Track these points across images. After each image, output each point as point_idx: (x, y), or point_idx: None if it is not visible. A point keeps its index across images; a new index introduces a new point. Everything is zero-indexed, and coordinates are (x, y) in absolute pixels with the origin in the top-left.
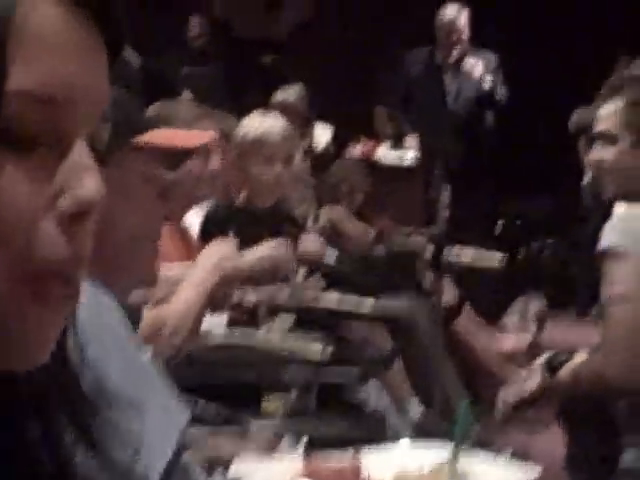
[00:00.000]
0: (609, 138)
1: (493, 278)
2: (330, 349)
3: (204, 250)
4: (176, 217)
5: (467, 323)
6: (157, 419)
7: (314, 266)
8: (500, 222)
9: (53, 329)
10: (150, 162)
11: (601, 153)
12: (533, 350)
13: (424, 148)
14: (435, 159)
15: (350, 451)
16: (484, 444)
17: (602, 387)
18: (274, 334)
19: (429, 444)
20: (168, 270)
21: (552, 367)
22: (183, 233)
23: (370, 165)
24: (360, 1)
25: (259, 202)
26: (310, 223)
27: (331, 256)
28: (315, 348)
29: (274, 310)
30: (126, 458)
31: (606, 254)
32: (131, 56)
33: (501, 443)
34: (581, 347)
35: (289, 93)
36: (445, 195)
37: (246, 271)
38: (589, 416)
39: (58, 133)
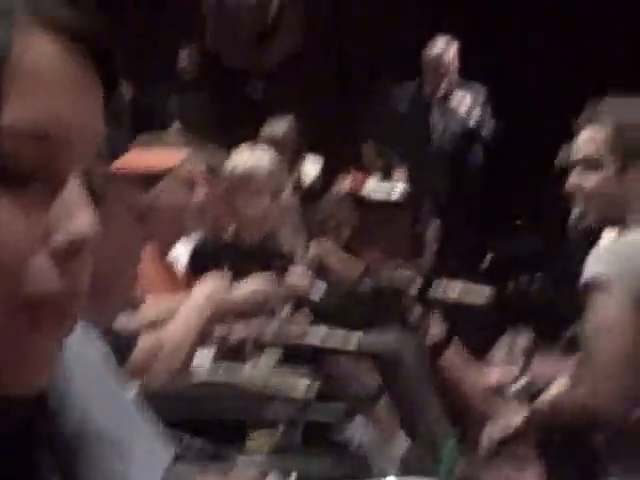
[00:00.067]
0: (591, 164)
1: (481, 313)
2: (316, 385)
3: (200, 282)
4: (162, 249)
5: (454, 358)
6: (141, 458)
7: (301, 300)
8: (488, 256)
9: (50, 356)
10: (125, 186)
11: (582, 179)
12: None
13: (412, 182)
14: (423, 193)
15: None
16: None
17: (587, 418)
18: (260, 370)
19: None
20: (155, 302)
21: (528, 396)
22: (170, 266)
23: (358, 199)
24: (350, 33)
25: (247, 236)
26: (299, 257)
27: (318, 290)
28: (301, 384)
29: (260, 345)
30: None
31: (591, 284)
32: (121, 87)
33: (487, 479)
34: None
35: (279, 125)
36: (433, 229)
37: (237, 305)
38: (568, 446)
39: (52, 170)
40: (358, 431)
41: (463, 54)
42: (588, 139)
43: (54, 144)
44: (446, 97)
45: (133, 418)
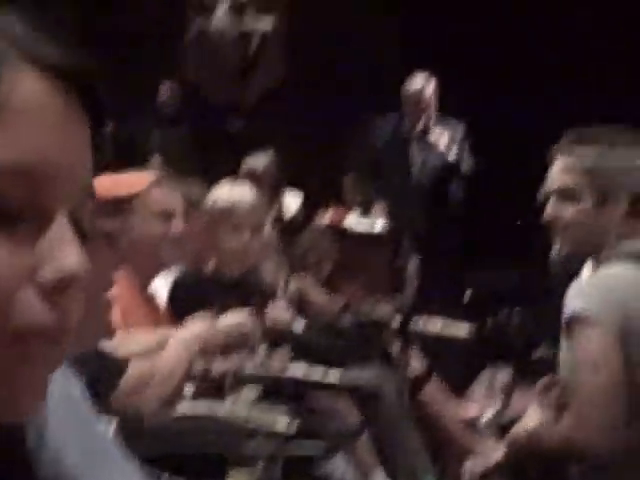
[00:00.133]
0: (568, 195)
1: (460, 348)
2: (297, 421)
3: (188, 321)
4: (141, 281)
5: (434, 393)
6: None
7: (282, 336)
8: (468, 292)
9: (41, 386)
10: (94, 212)
11: (559, 209)
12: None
13: (392, 216)
14: (403, 228)
15: None
16: None
17: (571, 451)
18: (240, 406)
19: None
20: (140, 334)
21: (499, 426)
22: (150, 298)
23: (339, 233)
24: (329, 67)
25: (228, 270)
26: (280, 292)
27: (299, 325)
28: (281, 420)
29: (240, 381)
30: None
31: (573, 319)
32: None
33: None
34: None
35: (259, 160)
36: (413, 264)
37: (220, 341)
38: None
39: (40, 207)
40: (338, 467)
41: (442, 90)
42: (563, 169)
43: (42, 182)
44: (425, 132)
45: (110, 457)
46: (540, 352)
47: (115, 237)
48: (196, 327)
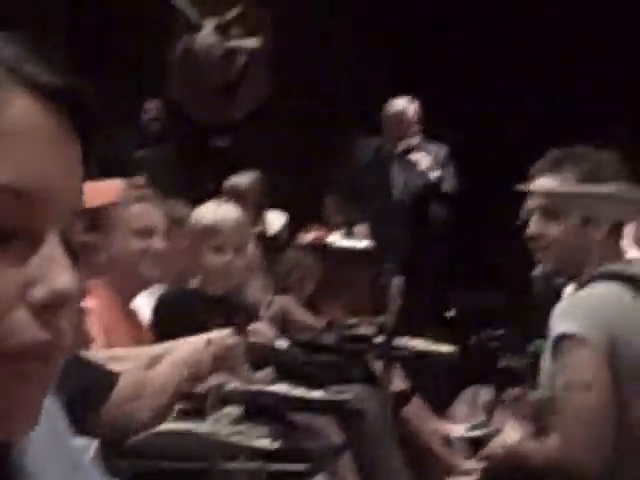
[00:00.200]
0: (551, 214)
1: (443, 368)
2: (279, 440)
3: (180, 344)
4: (123, 298)
5: (416, 411)
6: None
7: (265, 354)
8: (451, 311)
9: (34, 406)
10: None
11: (542, 228)
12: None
13: (375, 237)
14: (386, 248)
15: None
16: None
17: (558, 471)
18: (222, 424)
19: None
20: (118, 353)
21: (474, 440)
22: (132, 316)
23: (322, 251)
24: (313, 87)
25: (211, 289)
26: (263, 310)
27: (282, 344)
28: (263, 440)
29: (222, 399)
30: None
31: (563, 340)
32: None
33: None
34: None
35: (243, 178)
36: (396, 284)
37: (210, 369)
38: None
39: (31, 227)
40: None
41: (426, 111)
42: (546, 190)
43: (33, 202)
44: (407, 153)
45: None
46: (508, 361)
47: (88, 247)
48: (187, 352)
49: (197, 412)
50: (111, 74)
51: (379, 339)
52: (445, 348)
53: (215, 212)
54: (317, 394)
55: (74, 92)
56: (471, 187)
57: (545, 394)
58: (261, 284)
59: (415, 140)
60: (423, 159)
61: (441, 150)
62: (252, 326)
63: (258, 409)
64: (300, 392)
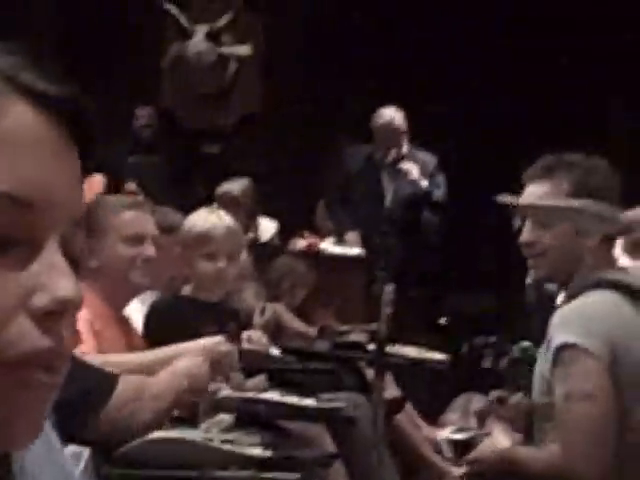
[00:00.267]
0: (543, 221)
1: (435, 375)
2: (270, 449)
3: (175, 347)
4: (115, 304)
5: (409, 419)
6: None
7: (257, 361)
8: (443, 319)
9: (39, 413)
10: None
11: (535, 235)
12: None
13: (366, 245)
14: (378, 256)
15: None
16: None
17: (558, 478)
18: (213, 433)
19: None
20: (110, 359)
21: (461, 443)
22: (124, 322)
23: (314, 259)
24: (305, 94)
25: (204, 297)
26: (256, 317)
27: (274, 351)
28: (255, 448)
29: (214, 407)
30: None
31: (565, 349)
32: None
33: None
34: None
35: (235, 185)
36: (388, 292)
37: (207, 382)
38: None
39: (31, 233)
40: None
41: (414, 121)
42: (539, 196)
43: (32, 208)
44: (397, 162)
45: None
46: (491, 363)
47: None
48: (186, 364)
49: (189, 420)
50: (103, 81)
51: (371, 346)
52: (437, 355)
53: (208, 219)
54: (309, 402)
55: (71, 100)
56: (462, 195)
57: (525, 398)
58: (254, 291)
59: (405, 149)
60: (413, 169)
61: (431, 159)
62: (246, 333)
63: (250, 417)
64: (292, 400)
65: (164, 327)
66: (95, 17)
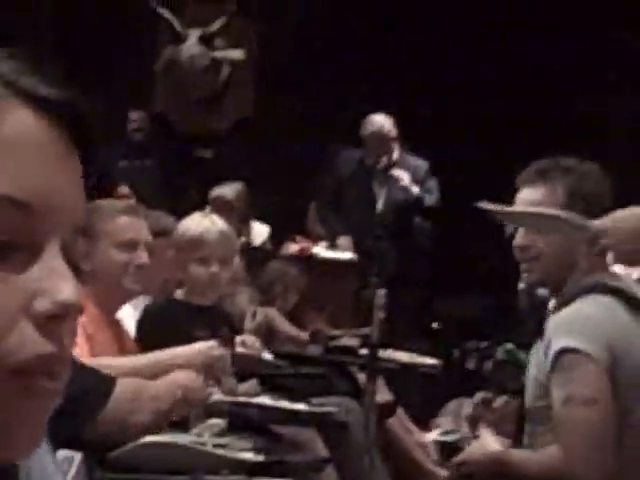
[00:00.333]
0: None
1: (427, 380)
2: (262, 453)
3: (169, 351)
4: (107, 308)
5: (401, 424)
6: None
7: (250, 366)
8: (435, 323)
9: (40, 422)
10: None
11: (528, 239)
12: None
13: (358, 249)
14: (370, 261)
15: None
16: None
17: None
18: (205, 437)
19: None
20: (102, 363)
21: (448, 445)
22: (117, 326)
23: (306, 263)
24: (297, 99)
25: (197, 301)
26: (247, 322)
27: (267, 356)
28: (247, 452)
29: (206, 412)
30: None
31: (564, 354)
32: None
33: None
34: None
35: (227, 189)
36: (380, 297)
37: (203, 396)
38: None
39: (31, 237)
40: None
41: (407, 126)
42: (533, 202)
43: (32, 212)
44: (388, 168)
45: None
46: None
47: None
48: (181, 377)
49: (181, 424)
50: (97, 85)
51: (363, 351)
52: (429, 360)
53: (201, 224)
54: (301, 406)
55: (72, 105)
56: (454, 199)
57: (512, 401)
58: (247, 295)
59: (395, 155)
60: (404, 176)
61: (422, 164)
62: (240, 338)
63: (242, 421)
64: (284, 404)
65: (157, 331)
66: (88, 21)
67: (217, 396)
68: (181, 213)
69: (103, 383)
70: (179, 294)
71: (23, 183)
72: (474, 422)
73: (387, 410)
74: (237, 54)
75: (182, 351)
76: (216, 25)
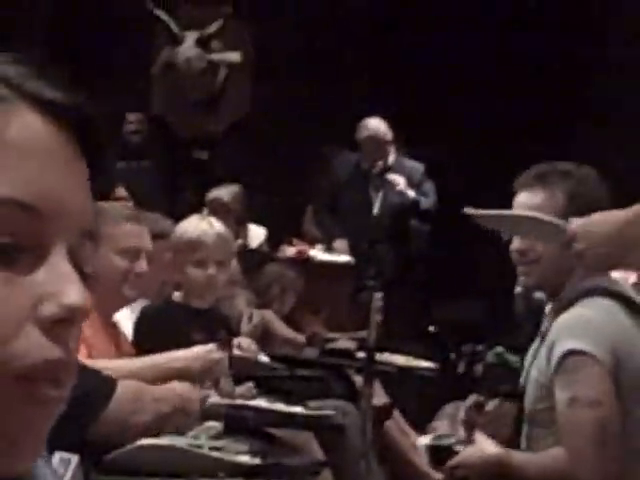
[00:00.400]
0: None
1: (424, 383)
2: (259, 456)
3: (166, 354)
4: (104, 312)
5: (397, 427)
6: None
7: (246, 369)
8: (432, 327)
9: (43, 430)
10: None
11: (526, 243)
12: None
13: (355, 252)
14: (367, 264)
15: None
16: None
17: None
18: (202, 440)
19: None
20: (99, 365)
21: (439, 450)
22: (114, 328)
23: (303, 266)
24: (294, 101)
25: (194, 303)
26: (244, 325)
27: (263, 359)
28: (244, 455)
29: (202, 415)
30: None
31: (570, 356)
32: None
33: None
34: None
35: (224, 191)
36: (377, 300)
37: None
38: None
39: (38, 240)
40: None
41: (401, 130)
42: (530, 206)
43: (39, 215)
44: (384, 171)
45: None
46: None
47: None
48: (180, 387)
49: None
50: (94, 87)
51: (360, 354)
52: (426, 363)
53: (198, 226)
54: (298, 409)
55: (78, 108)
56: (451, 202)
57: (505, 404)
58: (246, 298)
59: (391, 158)
60: (400, 180)
61: (418, 167)
62: (236, 340)
63: (238, 424)
64: (280, 407)
65: (154, 333)
66: (85, 23)
67: (214, 399)
68: (178, 215)
69: (104, 384)
70: (177, 296)
71: (29, 186)
72: (470, 426)
73: (384, 413)
74: (234, 56)
75: (180, 355)
76: (213, 27)
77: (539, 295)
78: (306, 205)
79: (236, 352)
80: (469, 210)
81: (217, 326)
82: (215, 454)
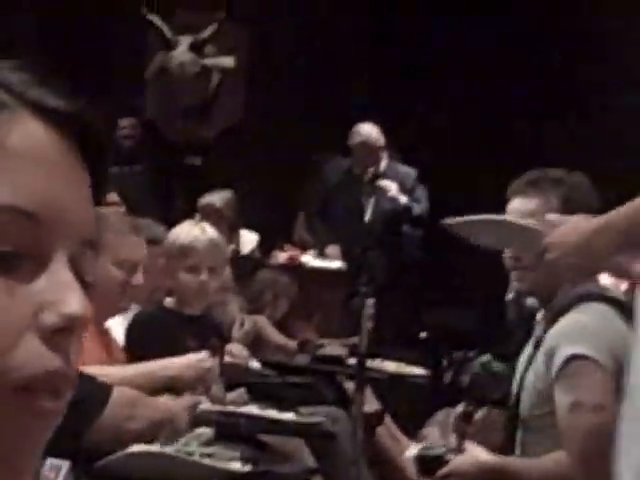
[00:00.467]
0: None
1: (415, 390)
2: (250, 463)
3: (160, 362)
4: (97, 319)
5: (388, 433)
6: None
7: (238, 375)
8: (423, 333)
9: (41, 441)
10: None
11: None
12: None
13: (347, 258)
14: (358, 270)
15: None
16: None
17: None
18: (193, 447)
19: None
20: (90, 372)
21: (427, 459)
22: (105, 335)
23: (295, 272)
24: (286, 107)
25: (186, 309)
26: (236, 331)
27: (255, 365)
28: (235, 462)
29: (193, 421)
30: None
31: (573, 361)
32: None
33: None
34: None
35: (217, 197)
36: (368, 306)
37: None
38: None
39: (38, 248)
40: None
41: (398, 133)
42: (524, 212)
43: (38, 222)
44: (376, 177)
45: None
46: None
47: None
48: (171, 401)
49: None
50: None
51: (351, 360)
52: (417, 370)
53: (191, 232)
54: (289, 416)
55: (80, 116)
56: (443, 208)
57: (494, 412)
58: (238, 304)
59: (383, 164)
60: (392, 186)
61: (410, 172)
62: (228, 346)
63: (230, 431)
64: (272, 414)
65: (146, 339)
66: (78, 28)
67: (205, 405)
68: (170, 220)
69: (100, 391)
70: (169, 302)
71: (31, 194)
72: (461, 435)
73: (375, 419)
74: (227, 61)
75: (173, 363)
76: (207, 32)
77: (531, 302)
78: (298, 211)
79: (227, 358)
80: (445, 221)
81: (209, 332)
82: (206, 461)
